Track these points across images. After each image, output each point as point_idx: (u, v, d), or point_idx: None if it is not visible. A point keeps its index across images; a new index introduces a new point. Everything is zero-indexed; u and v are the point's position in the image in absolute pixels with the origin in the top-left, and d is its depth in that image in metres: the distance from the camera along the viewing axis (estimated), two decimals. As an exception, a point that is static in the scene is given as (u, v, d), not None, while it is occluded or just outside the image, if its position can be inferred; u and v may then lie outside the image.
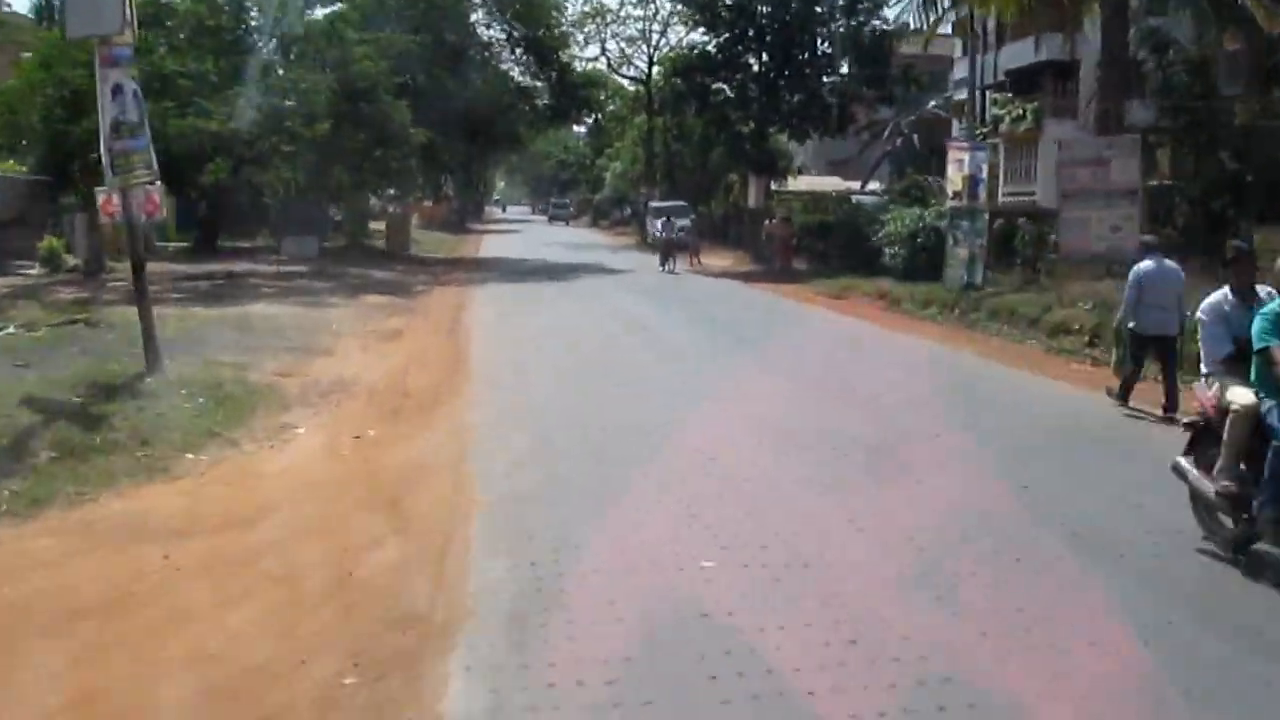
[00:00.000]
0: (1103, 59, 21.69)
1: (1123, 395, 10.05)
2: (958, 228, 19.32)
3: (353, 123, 22.93)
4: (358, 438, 8.47)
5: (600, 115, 44.54)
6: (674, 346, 14.03)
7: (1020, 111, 35.28)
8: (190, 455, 7.61)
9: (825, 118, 30.75)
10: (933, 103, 45.36)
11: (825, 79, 30.77)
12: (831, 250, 28.17)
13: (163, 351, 11.34)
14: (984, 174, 19.25)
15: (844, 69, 30.74)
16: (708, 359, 12.81)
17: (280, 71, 21.40)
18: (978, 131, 39.70)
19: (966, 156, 19.20)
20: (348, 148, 23.36)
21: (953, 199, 19.58)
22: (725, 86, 31.25)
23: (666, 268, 27.37)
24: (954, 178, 19.49)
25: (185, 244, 32.89)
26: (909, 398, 10.32)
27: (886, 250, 23.61)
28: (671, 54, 32.26)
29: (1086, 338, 13.89)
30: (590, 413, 9.40)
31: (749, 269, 29.84)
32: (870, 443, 8.30)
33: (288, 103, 20.24)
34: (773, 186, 36.33)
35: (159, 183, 10.33)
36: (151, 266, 27.48)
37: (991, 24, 39.93)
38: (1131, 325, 10.13)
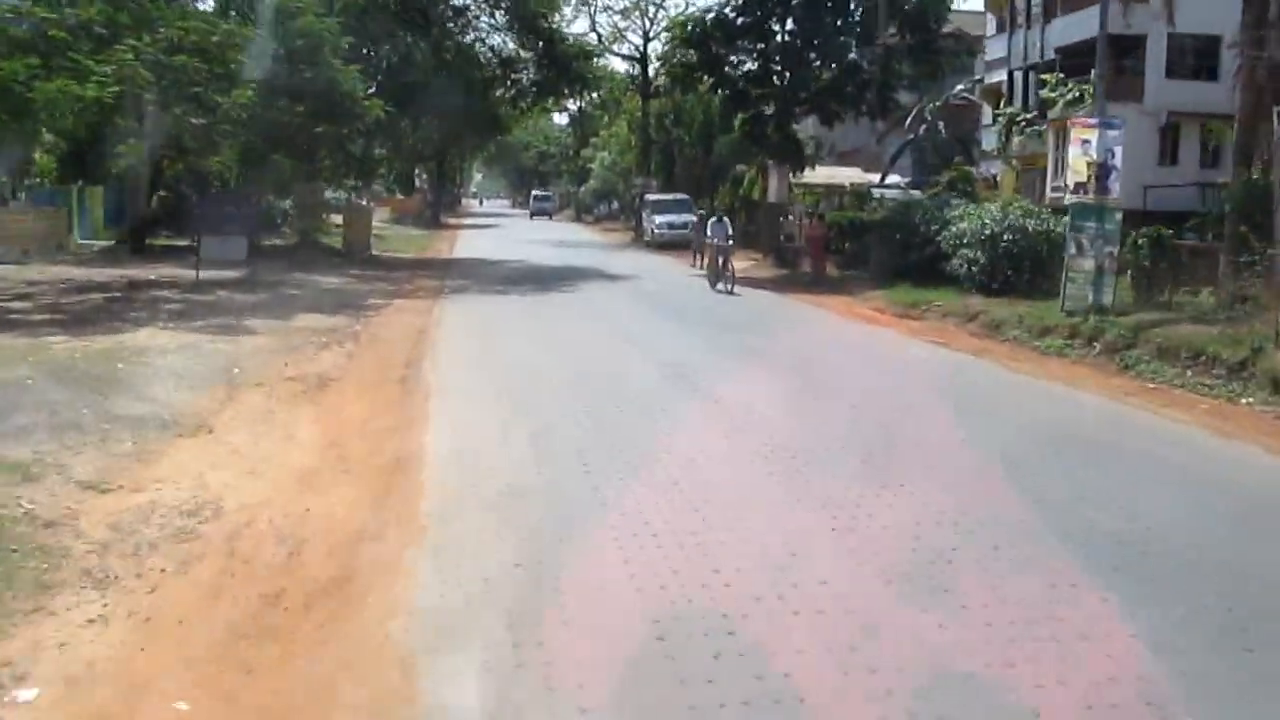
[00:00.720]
0: (1245, 15, 17.18)
1: None
2: (1081, 230, 14.68)
3: (289, 92, 17.94)
4: (147, 729, 3.66)
5: (597, 92, 39.24)
6: (747, 413, 9.27)
7: (1077, 93, 30.68)
8: None
9: (861, 96, 25.88)
10: (960, 86, 40.83)
11: (861, 49, 25.79)
12: (871, 253, 23.46)
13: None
14: (1117, 160, 14.58)
15: (883, 38, 25.77)
16: (827, 460, 7.91)
17: (195, 22, 16.28)
18: (1020, 118, 35.50)
19: (1094, 136, 14.54)
20: (284, 122, 18.34)
21: (1073, 192, 14.93)
22: (746, 58, 26.31)
23: (721, 287, 20.44)
24: (1076, 164, 14.84)
25: (113, 242, 28.15)
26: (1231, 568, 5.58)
27: (963, 254, 18.88)
28: (681, 19, 27.28)
29: (1356, 400, 9.29)
30: (676, 633, 4.58)
31: (774, 275, 25.15)
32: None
33: (195, 62, 15.20)
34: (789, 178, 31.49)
35: None
36: (55, 270, 22.67)
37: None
38: None
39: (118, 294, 17.62)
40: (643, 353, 12.85)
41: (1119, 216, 14.69)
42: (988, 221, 18.89)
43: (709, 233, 21.68)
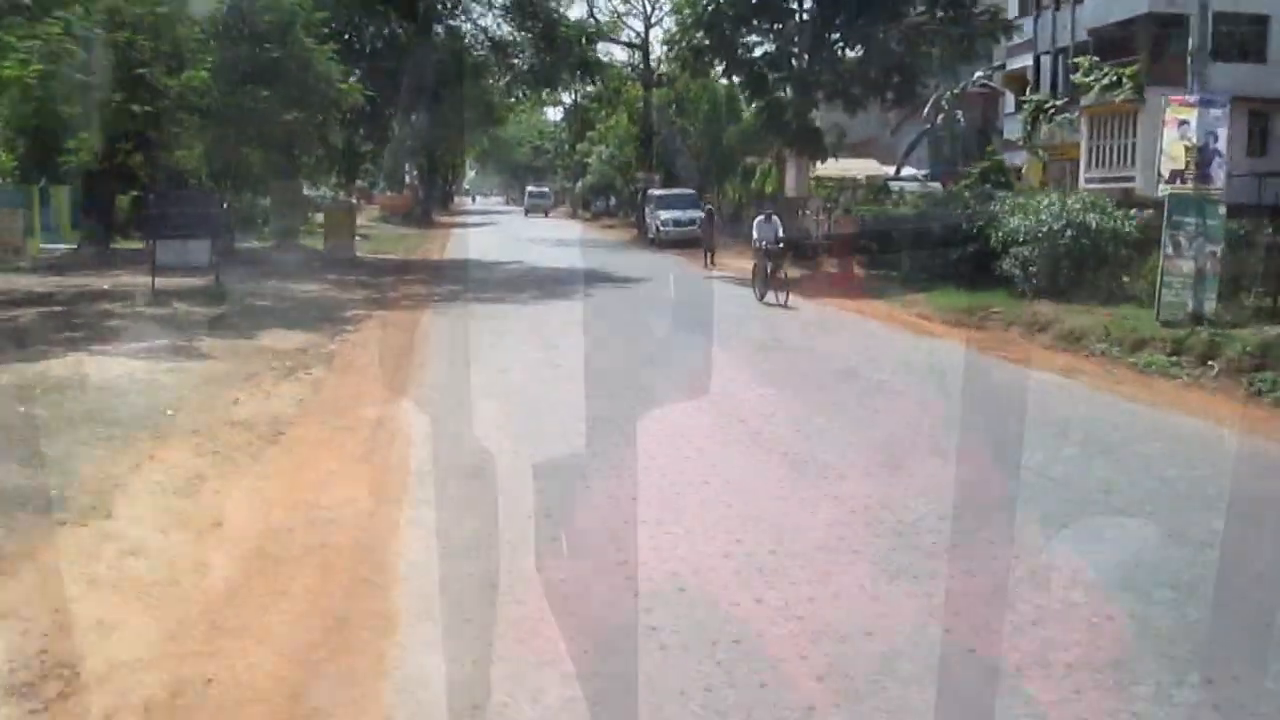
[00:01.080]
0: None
1: None
2: (1179, 226, 12.55)
3: (255, 75, 15.70)
4: None
5: (600, 79, 36.64)
6: (838, 482, 7.14)
7: (1115, 77, 28.54)
8: None
9: (887, 80, 23.70)
10: (979, 74, 38.67)
11: (886, 29, 23.58)
12: (902, 251, 21.29)
13: None
14: (1221, 144, 12.46)
15: (911, 16, 23.59)
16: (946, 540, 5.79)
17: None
18: (1049, 105, 33.27)
19: (1193, 117, 12.41)
20: (249, 109, 16.09)
21: (1168, 181, 12.77)
22: (761, 40, 24.13)
23: (771, 298, 17.48)
24: (1172, 149, 12.68)
25: (77, 246, 25.94)
26: None
27: (1017, 253, 16.76)
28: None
29: None
30: None
31: (796, 275, 22.91)
32: None
33: (139, 39, 12.97)
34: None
35: None
36: (1, 278, 20.50)
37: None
38: None
39: (59, 306, 15.44)
40: (668, 370, 10.66)
41: (1223, 210, 12.57)
42: (1046, 217, 16.77)
43: (755, 234, 18.63)
